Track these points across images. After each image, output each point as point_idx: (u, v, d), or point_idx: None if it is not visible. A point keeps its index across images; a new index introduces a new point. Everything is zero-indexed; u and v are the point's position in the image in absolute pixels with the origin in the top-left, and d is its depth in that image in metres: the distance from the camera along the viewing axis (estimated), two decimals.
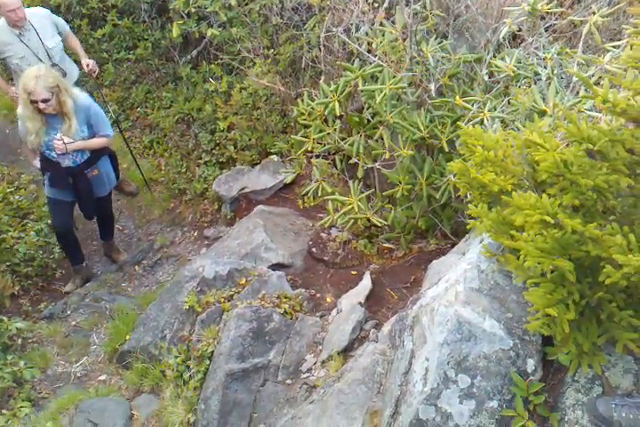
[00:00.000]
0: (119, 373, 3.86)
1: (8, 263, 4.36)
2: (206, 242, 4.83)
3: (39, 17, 4.65)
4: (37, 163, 4.46)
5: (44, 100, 3.93)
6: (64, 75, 4.62)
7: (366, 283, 3.61)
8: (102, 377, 3.90)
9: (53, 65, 4.56)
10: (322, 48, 4.64)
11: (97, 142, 4.31)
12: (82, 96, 4.19)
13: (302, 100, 4.12)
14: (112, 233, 5.03)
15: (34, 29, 4.51)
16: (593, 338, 2.19)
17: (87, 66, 4.79)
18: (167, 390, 3.44)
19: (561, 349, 2.25)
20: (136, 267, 4.87)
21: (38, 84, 3.88)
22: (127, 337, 3.91)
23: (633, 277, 1.92)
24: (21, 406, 2.96)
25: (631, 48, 2.50)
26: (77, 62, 5.16)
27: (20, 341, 3.86)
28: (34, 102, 3.94)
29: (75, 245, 4.71)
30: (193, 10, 5.14)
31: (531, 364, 2.27)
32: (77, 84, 4.90)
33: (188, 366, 3.44)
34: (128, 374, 3.78)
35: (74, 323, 4.29)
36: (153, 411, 3.51)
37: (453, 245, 3.58)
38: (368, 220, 3.83)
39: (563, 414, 2.20)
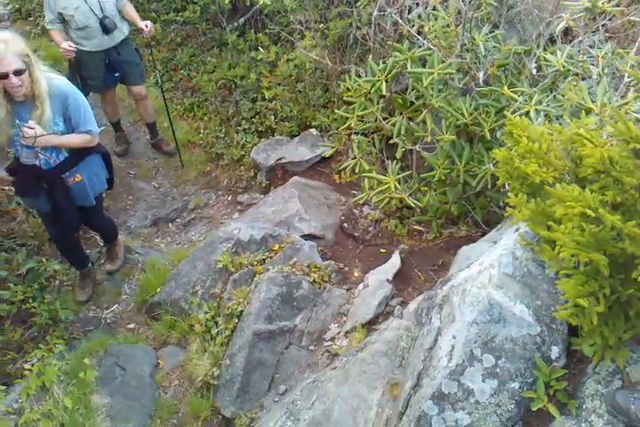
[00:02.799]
0: (147, 323, 4.02)
1: None
2: (239, 207, 4.93)
3: None
4: (3, 171, 3.54)
5: (17, 72, 3.03)
6: (114, 28, 4.69)
7: (395, 261, 3.71)
8: (131, 326, 4.06)
9: (105, 17, 4.63)
10: (373, 26, 4.66)
11: (75, 139, 3.40)
12: (59, 79, 3.32)
13: (349, 77, 4.16)
14: (111, 239, 4.34)
15: None
16: (619, 333, 2.26)
17: (146, 26, 4.84)
18: (194, 344, 3.58)
19: (586, 340, 2.33)
20: (169, 224, 5.00)
21: (8, 50, 2.99)
22: (158, 290, 4.04)
23: None
24: (56, 343, 3.12)
25: None
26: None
27: (56, 283, 4.03)
28: (3, 77, 3.03)
29: (74, 249, 4.11)
30: None
31: (555, 351, 2.36)
32: (126, 40, 4.98)
33: (216, 323, 3.58)
34: (156, 324, 3.93)
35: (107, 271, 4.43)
36: (178, 362, 3.67)
37: (484, 234, 3.66)
38: (400, 201, 3.91)
39: (581, 402, 2.29)
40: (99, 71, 4.92)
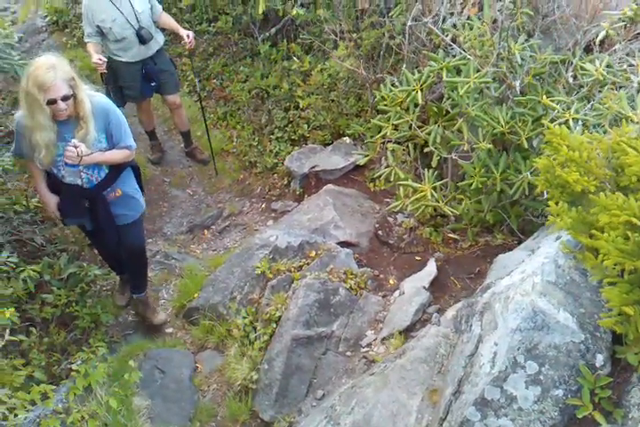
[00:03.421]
0: (185, 328, 4.08)
1: None
2: (273, 215, 4.99)
3: None
4: (53, 200, 3.51)
5: (65, 98, 3.07)
6: (150, 38, 4.80)
7: (431, 269, 3.72)
8: (169, 330, 4.12)
9: (141, 28, 4.73)
10: (407, 36, 4.70)
11: (117, 155, 3.40)
12: (99, 96, 3.33)
13: (384, 86, 4.20)
14: (143, 284, 4.09)
15: None
16: None
17: (187, 36, 4.92)
18: (232, 348, 3.63)
19: (631, 348, 2.32)
20: (205, 231, 5.07)
21: (57, 77, 3.00)
22: (195, 295, 4.10)
23: None
24: (99, 346, 3.20)
25: None
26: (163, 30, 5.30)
27: (96, 287, 4.12)
28: (51, 103, 3.05)
29: (114, 256, 4.04)
30: None
31: (600, 359, 2.35)
32: (161, 50, 5.09)
33: (254, 328, 3.63)
34: (194, 329, 3.99)
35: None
36: (216, 366, 3.72)
37: (519, 242, 3.66)
38: (435, 209, 3.91)
39: (627, 411, 2.26)
40: (135, 81, 5.03)
